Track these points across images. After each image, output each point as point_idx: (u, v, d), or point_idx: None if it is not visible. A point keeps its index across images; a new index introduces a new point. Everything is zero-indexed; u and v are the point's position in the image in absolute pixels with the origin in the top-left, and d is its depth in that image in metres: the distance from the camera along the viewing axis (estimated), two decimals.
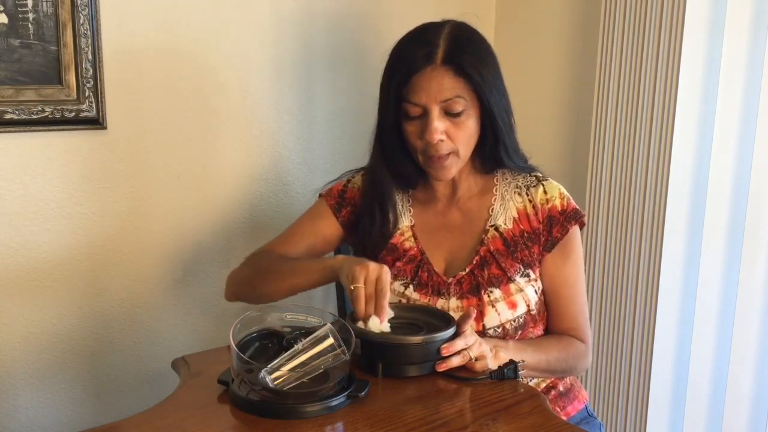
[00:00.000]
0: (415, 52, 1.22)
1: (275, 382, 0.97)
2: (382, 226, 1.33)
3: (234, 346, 0.99)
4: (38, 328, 1.48)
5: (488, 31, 2.01)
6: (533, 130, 1.94)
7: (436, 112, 1.21)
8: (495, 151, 1.28)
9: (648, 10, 1.59)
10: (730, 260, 1.64)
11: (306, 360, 0.99)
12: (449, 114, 1.22)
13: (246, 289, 1.33)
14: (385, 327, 1.10)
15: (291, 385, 0.98)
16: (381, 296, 1.10)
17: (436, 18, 1.29)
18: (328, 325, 1.03)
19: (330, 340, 1.00)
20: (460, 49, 1.21)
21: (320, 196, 1.42)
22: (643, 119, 1.63)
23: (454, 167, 1.26)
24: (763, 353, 1.61)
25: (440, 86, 1.20)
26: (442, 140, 1.22)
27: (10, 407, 1.47)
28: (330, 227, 1.39)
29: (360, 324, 1.10)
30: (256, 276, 1.31)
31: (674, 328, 1.70)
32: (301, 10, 1.68)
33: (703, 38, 1.57)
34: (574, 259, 1.32)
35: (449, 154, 1.24)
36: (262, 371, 0.98)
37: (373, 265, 1.12)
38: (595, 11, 1.75)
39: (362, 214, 1.35)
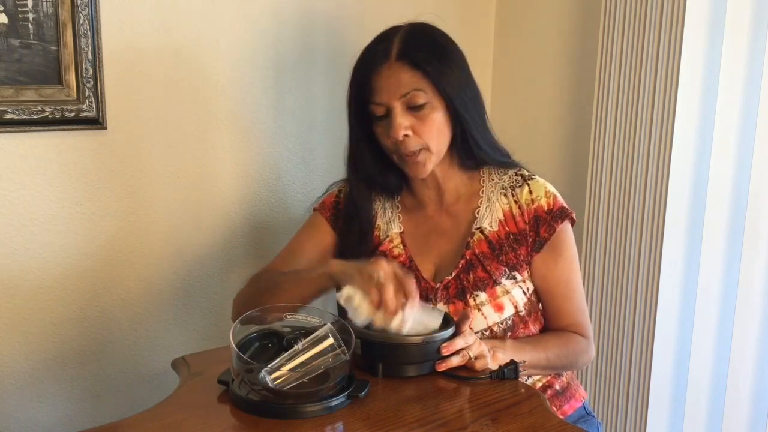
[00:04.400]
0: (371, 53, 1.25)
1: (275, 382, 0.97)
2: (359, 236, 1.34)
3: (234, 346, 0.99)
4: (38, 327, 1.48)
5: (488, 31, 2.01)
6: (533, 130, 1.94)
7: (398, 108, 1.22)
8: (466, 146, 1.28)
9: (648, 10, 1.59)
10: (730, 260, 1.64)
11: (306, 360, 0.99)
12: (412, 108, 1.22)
13: (251, 307, 1.31)
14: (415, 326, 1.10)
15: (291, 385, 0.98)
16: (406, 284, 1.07)
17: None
18: (328, 325, 1.03)
19: (330, 340, 1.00)
20: (414, 44, 1.23)
21: (314, 210, 1.43)
22: (643, 119, 1.63)
23: (428, 163, 1.26)
24: (763, 353, 1.61)
25: (398, 82, 1.21)
26: (407, 135, 1.23)
27: (10, 407, 1.47)
28: (327, 239, 1.39)
29: (393, 324, 1.06)
30: (260, 293, 1.31)
31: (674, 328, 1.70)
32: (301, 10, 1.68)
33: (703, 38, 1.57)
34: (566, 257, 1.31)
35: (420, 150, 1.24)
36: (262, 371, 0.98)
37: (383, 260, 1.09)
38: (595, 11, 1.75)
39: (342, 225, 1.36)
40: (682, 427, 1.73)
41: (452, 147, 1.29)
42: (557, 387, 1.34)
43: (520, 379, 1.13)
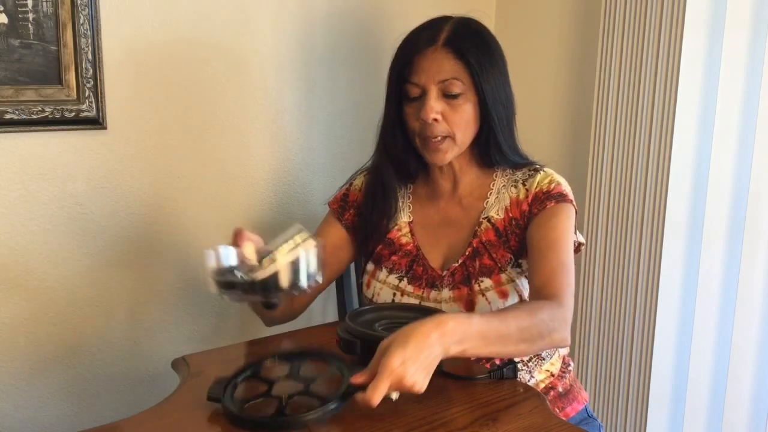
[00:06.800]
0: (420, 36, 1.26)
1: (251, 275, 0.98)
2: (383, 211, 1.35)
3: (210, 251, 1.00)
4: (38, 327, 1.48)
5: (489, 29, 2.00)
6: (533, 130, 1.94)
7: (433, 92, 1.23)
8: (488, 145, 1.29)
9: (648, 10, 1.59)
10: (730, 260, 1.64)
11: (281, 253, 1.00)
12: (447, 96, 1.24)
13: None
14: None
15: (268, 275, 0.98)
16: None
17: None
18: (297, 225, 1.03)
19: (299, 234, 1.01)
20: (463, 35, 1.25)
21: (328, 205, 1.45)
22: (643, 119, 1.63)
23: (450, 152, 1.27)
24: (763, 353, 1.61)
25: (439, 67, 1.23)
26: (436, 120, 1.24)
27: (10, 407, 1.47)
28: (335, 233, 1.40)
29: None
30: None
31: (674, 328, 1.70)
32: (301, 10, 1.68)
33: (703, 38, 1.57)
34: (554, 224, 1.25)
35: (445, 137, 1.25)
36: (236, 272, 0.99)
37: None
38: (595, 11, 1.75)
39: (364, 201, 1.37)
40: (682, 427, 1.73)
41: (475, 144, 1.30)
42: (560, 389, 1.34)
43: (521, 380, 1.13)
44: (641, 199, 1.66)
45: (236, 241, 1.06)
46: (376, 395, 0.92)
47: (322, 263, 1.02)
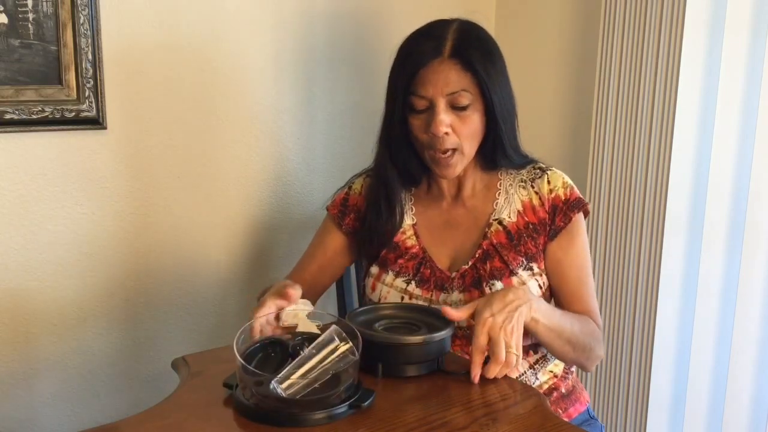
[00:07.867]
0: (423, 47, 1.23)
1: (288, 392, 0.95)
2: (388, 219, 1.33)
3: (240, 359, 0.97)
4: (37, 327, 1.48)
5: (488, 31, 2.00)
6: (533, 130, 1.94)
7: (442, 104, 1.21)
8: (494, 151, 1.29)
9: (648, 10, 1.59)
10: (730, 260, 1.64)
11: (314, 365, 0.97)
12: (455, 108, 1.22)
13: None
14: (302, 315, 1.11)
15: (302, 393, 0.96)
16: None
17: (437, 18, 1.30)
18: (334, 327, 1.02)
19: (336, 343, 0.99)
20: (468, 44, 1.23)
21: (327, 209, 1.43)
22: (643, 119, 1.63)
23: (459, 165, 1.27)
24: (763, 353, 1.61)
25: (447, 79, 1.21)
26: (447, 133, 1.22)
27: (10, 407, 1.47)
28: (335, 239, 1.40)
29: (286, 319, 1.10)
30: None
31: (674, 328, 1.70)
32: (301, 10, 1.68)
33: (703, 38, 1.57)
34: (579, 243, 1.31)
35: (454, 151, 1.24)
36: (272, 382, 0.96)
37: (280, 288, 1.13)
38: (595, 11, 1.75)
39: (367, 209, 1.36)
40: (682, 428, 1.73)
41: (480, 149, 1.29)
42: (563, 390, 1.34)
43: (527, 381, 1.12)
44: (641, 199, 1.66)
45: (285, 298, 1.10)
46: (478, 342, 1.06)
47: (358, 370, 1.00)
